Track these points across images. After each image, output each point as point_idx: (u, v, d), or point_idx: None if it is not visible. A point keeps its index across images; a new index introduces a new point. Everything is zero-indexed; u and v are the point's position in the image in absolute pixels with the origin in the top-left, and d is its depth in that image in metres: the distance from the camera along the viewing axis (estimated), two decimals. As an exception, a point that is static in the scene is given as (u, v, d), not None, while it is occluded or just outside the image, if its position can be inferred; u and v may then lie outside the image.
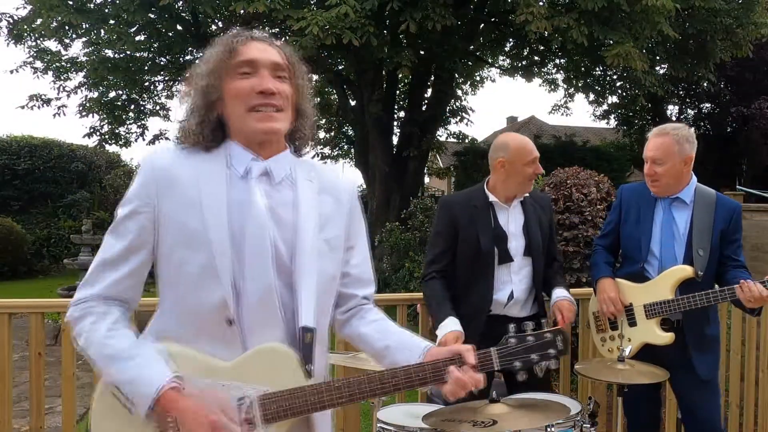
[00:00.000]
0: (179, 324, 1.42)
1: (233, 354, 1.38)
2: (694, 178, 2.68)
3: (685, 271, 2.56)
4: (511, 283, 2.61)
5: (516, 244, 2.64)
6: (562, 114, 18.96)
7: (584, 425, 2.23)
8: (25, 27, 11.92)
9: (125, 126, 13.93)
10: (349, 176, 1.65)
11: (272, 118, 1.43)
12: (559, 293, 2.67)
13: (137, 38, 11.87)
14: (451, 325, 2.50)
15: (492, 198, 2.66)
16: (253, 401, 1.34)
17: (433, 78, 13.27)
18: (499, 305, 2.60)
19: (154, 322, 1.49)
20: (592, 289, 2.89)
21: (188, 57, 12.23)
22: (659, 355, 2.58)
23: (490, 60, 16.39)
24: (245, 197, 1.42)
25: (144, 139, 13.91)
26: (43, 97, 12.96)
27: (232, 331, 1.37)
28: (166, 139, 13.82)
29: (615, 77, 14.65)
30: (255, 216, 1.41)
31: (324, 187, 1.54)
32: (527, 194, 2.72)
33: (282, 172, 1.49)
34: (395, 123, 14.79)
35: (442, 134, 17.05)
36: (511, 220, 2.66)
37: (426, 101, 13.83)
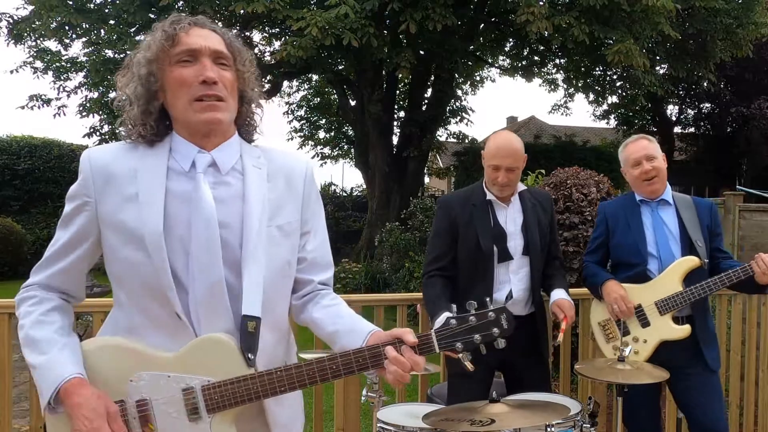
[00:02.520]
0: (132, 318, 1.43)
1: (182, 345, 1.39)
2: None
3: (693, 261, 2.57)
4: (510, 282, 2.61)
5: (514, 243, 2.63)
6: (562, 114, 19.02)
7: (584, 425, 2.23)
8: (26, 27, 11.92)
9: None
10: (302, 159, 1.60)
11: (215, 107, 1.41)
12: (558, 294, 2.66)
13: (137, 38, 11.87)
14: (441, 320, 2.48)
15: (490, 196, 2.65)
16: (197, 391, 1.36)
17: (433, 78, 13.28)
18: (497, 305, 2.59)
19: (111, 317, 1.50)
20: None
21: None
22: (670, 353, 2.58)
23: (490, 60, 16.40)
24: (191, 191, 1.40)
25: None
26: (43, 97, 12.99)
27: (182, 324, 1.38)
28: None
29: (615, 77, 14.67)
30: (201, 210, 1.39)
31: (274, 172, 1.51)
32: (526, 191, 2.71)
33: (229, 163, 1.46)
34: (395, 123, 14.80)
35: (442, 134, 17.08)
36: (510, 219, 2.65)
37: (426, 101, 13.84)
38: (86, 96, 13.28)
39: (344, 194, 20.03)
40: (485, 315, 1.40)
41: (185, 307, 1.38)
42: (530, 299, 2.65)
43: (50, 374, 1.36)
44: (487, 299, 1.44)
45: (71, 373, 1.36)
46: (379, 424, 2.21)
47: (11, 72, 12.82)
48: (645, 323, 2.63)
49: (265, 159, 1.52)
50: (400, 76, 12.17)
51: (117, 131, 1.53)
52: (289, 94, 19.07)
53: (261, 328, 1.41)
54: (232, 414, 1.38)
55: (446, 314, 1.45)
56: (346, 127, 19.32)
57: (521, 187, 2.72)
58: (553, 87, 17.23)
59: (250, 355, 1.38)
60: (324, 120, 20.14)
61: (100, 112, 13.28)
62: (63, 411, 1.37)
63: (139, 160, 1.43)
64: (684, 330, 2.57)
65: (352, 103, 14.58)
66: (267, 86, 14.64)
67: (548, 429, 2.09)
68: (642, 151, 2.68)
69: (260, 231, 1.43)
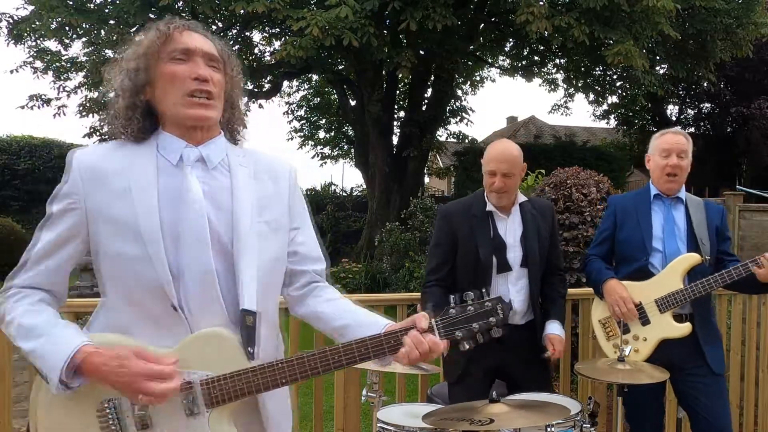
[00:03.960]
0: (123, 317, 1.42)
1: (179, 340, 1.38)
2: None
3: (693, 257, 2.56)
4: (509, 293, 2.60)
5: (513, 255, 2.62)
6: (562, 114, 19.00)
7: (584, 425, 2.23)
8: (26, 27, 11.92)
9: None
10: (286, 160, 1.64)
11: (205, 105, 1.44)
12: (552, 328, 2.65)
13: (137, 39, 11.85)
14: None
15: (490, 207, 2.64)
16: (195, 386, 1.35)
17: (433, 78, 13.27)
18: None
19: (97, 320, 1.48)
20: (591, 289, 2.87)
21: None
22: (671, 351, 2.57)
23: (490, 60, 16.40)
24: (180, 184, 1.43)
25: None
26: (43, 97, 12.99)
27: (179, 317, 1.38)
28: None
29: (615, 77, 14.66)
30: (191, 202, 1.41)
31: (259, 171, 1.54)
32: (527, 202, 2.70)
33: (216, 158, 1.49)
34: (395, 123, 14.79)
35: (442, 134, 17.08)
36: (510, 231, 2.64)
37: (426, 101, 13.84)
38: (86, 96, 13.29)
39: (344, 194, 20.01)
40: (482, 305, 1.43)
41: (179, 300, 1.39)
42: (529, 309, 2.64)
43: (55, 350, 1.33)
44: (484, 290, 1.45)
45: (81, 341, 1.34)
46: (379, 424, 2.21)
47: (11, 72, 12.82)
48: (645, 321, 2.62)
49: (249, 159, 1.55)
50: (400, 76, 12.17)
51: (101, 128, 1.53)
52: (289, 94, 19.09)
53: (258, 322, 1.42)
54: (229, 409, 1.38)
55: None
56: (346, 127, 19.32)
57: (522, 198, 2.70)
58: (553, 87, 17.23)
59: (250, 349, 1.39)
60: (324, 120, 20.14)
61: (100, 112, 13.27)
62: (80, 384, 1.34)
63: (127, 155, 1.44)
64: (684, 328, 2.56)
65: (352, 103, 14.58)
66: (267, 86, 14.67)
67: (548, 429, 2.09)
68: (677, 145, 2.66)
69: (251, 225, 1.45)
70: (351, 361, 1.40)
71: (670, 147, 2.66)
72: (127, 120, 1.45)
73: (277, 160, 1.62)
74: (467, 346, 1.43)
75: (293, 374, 1.38)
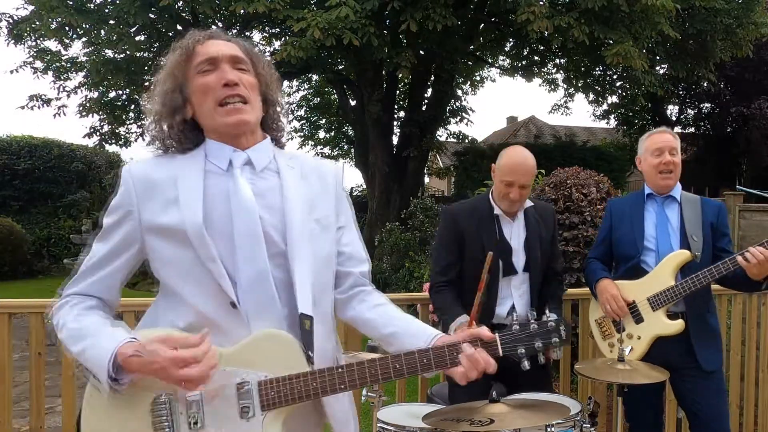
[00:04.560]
0: (184, 319, 1.42)
1: (238, 341, 1.38)
2: None
3: (683, 254, 2.56)
4: (512, 297, 2.61)
5: (517, 259, 2.63)
6: (562, 114, 19.06)
7: (584, 425, 2.23)
8: (26, 27, 11.92)
9: (125, 126, 13.95)
10: (331, 162, 1.68)
11: (240, 110, 1.45)
12: None
13: (138, 38, 11.87)
14: (461, 319, 2.47)
15: (497, 210, 2.65)
16: (252, 386, 1.33)
17: (433, 78, 13.27)
18: (500, 319, 2.59)
19: (159, 322, 1.47)
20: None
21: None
22: (663, 350, 2.57)
23: (490, 60, 16.40)
24: (230, 188, 1.44)
25: (144, 139, 13.88)
26: (43, 97, 12.99)
27: (237, 315, 1.38)
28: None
29: (615, 77, 14.66)
30: (241, 203, 1.42)
31: (306, 172, 1.56)
32: (531, 207, 2.69)
33: (264, 161, 1.51)
34: (395, 123, 14.79)
35: (442, 134, 17.08)
36: (515, 235, 2.65)
37: (426, 101, 13.83)
38: (86, 96, 13.29)
39: (344, 194, 19.98)
40: (546, 323, 1.44)
41: (237, 298, 1.39)
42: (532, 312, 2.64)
43: (101, 348, 1.34)
44: (547, 311, 1.48)
45: (125, 337, 1.35)
46: (379, 424, 2.21)
47: (11, 72, 12.81)
48: (639, 319, 2.63)
49: (296, 162, 1.57)
50: (400, 76, 12.17)
51: (150, 148, 1.56)
52: (289, 94, 19.08)
53: (314, 325, 1.42)
54: (285, 412, 1.35)
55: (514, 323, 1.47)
56: (346, 127, 19.32)
57: (528, 203, 2.71)
58: (553, 87, 17.24)
59: (309, 353, 1.38)
60: (324, 120, 20.14)
61: (100, 112, 13.28)
62: (128, 381, 1.34)
63: (177, 167, 1.47)
64: (677, 325, 2.55)
65: (352, 103, 14.57)
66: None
67: (548, 429, 2.09)
68: (667, 143, 2.68)
69: (303, 224, 1.46)
70: (412, 370, 1.39)
71: (661, 145, 2.68)
72: (172, 140, 1.50)
73: (323, 161, 1.66)
74: (527, 366, 1.43)
75: (352, 380, 1.36)
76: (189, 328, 1.40)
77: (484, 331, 1.42)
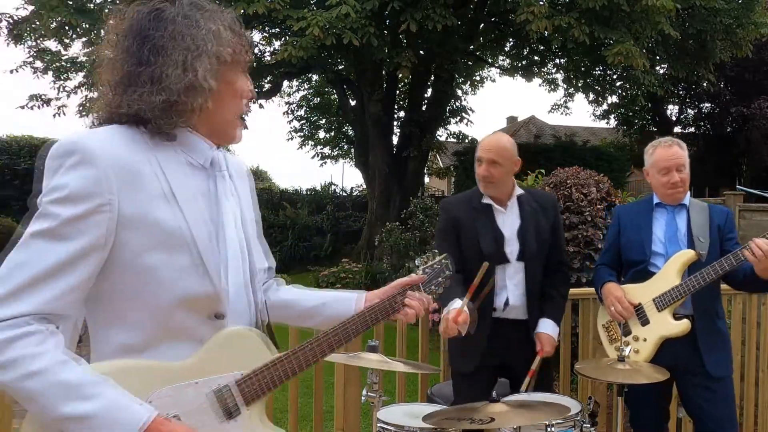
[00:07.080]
0: (144, 334, 1.25)
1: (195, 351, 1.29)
2: None
3: (688, 253, 2.55)
4: (506, 288, 2.60)
5: (511, 248, 2.61)
6: (562, 114, 19.07)
7: (584, 425, 2.23)
8: (26, 27, 11.92)
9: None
10: (239, 157, 1.58)
11: (242, 125, 1.42)
12: (544, 326, 2.61)
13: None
14: (455, 304, 2.44)
15: (486, 199, 2.65)
16: (232, 388, 1.31)
17: (433, 78, 13.28)
18: (497, 309, 2.59)
19: (112, 338, 1.25)
20: (592, 289, 2.89)
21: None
22: (675, 354, 2.55)
23: (490, 60, 16.41)
24: (210, 188, 1.34)
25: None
26: (43, 97, 12.97)
27: (215, 325, 1.30)
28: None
29: (615, 77, 14.67)
30: (229, 209, 1.36)
31: (234, 171, 1.47)
32: (525, 194, 2.69)
33: (223, 161, 1.40)
34: (395, 123, 14.80)
35: (442, 134, 17.09)
36: (507, 224, 2.64)
37: (426, 101, 13.84)
38: (86, 96, 13.26)
39: (344, 194, 20.01)
40: (440, 262, 1.66)
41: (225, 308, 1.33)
42: (528, 304, 2.63)
43: (120, 420, 1.13)
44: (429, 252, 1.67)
45: (149, 411, 1.16)
46: (379, 424, 2.21)
47: (11, 72, 12.81)
48: (645, 321, 2.61)
49: (223, 158, 1.49)
50: (400, 75, 12.18)
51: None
52: (289, 94, 19.10)
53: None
54: (263, 401, 1.36)
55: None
56: (346, 127, 19.32)
57: (519, 190, 2.69)
58: (553, 87, 17.24)
59: (271, 342, 1.39)
60: (324, 120, 20.14)
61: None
62: None
63: (152, 152, 1.25)
64: (682, 325, 2.53)
65: (352, 103, 14.58)
66: (267, 86, 14.66)
67: (548, 429, 2.09)
68: (674, 161, 2.62)
69: (251, 225, 1.46)
70: (374, 320, 1.49)
71: (668, 164, 2.62)
72: (169, 114, 1.24)
73: (234, 157, 1.53)
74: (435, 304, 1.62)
75: (321, 349, 1.40)
76: (145, 343, 1.25)
77: (415, 277, 1.58)
